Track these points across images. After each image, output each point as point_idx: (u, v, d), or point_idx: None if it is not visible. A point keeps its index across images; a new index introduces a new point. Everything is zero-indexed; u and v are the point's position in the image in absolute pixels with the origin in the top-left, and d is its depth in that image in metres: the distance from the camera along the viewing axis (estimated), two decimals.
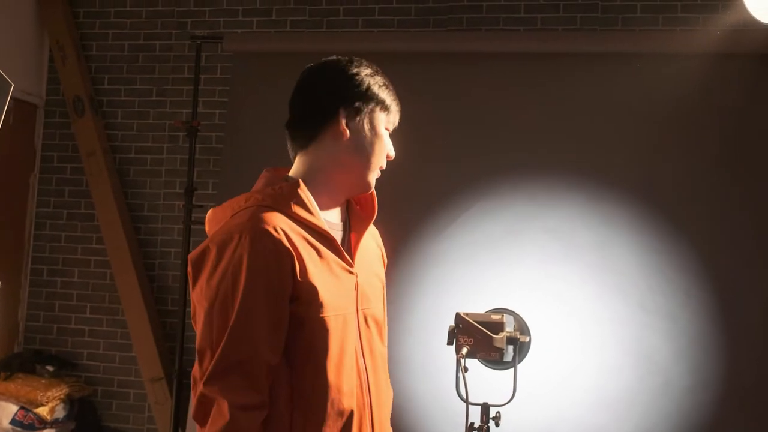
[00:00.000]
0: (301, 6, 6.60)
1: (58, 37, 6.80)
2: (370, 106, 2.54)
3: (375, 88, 2.55)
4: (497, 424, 4.13)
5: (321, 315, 2.38)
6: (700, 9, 5.99)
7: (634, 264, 5.33)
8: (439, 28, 6.36)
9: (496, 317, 4.19)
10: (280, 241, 2.32)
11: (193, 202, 5.88)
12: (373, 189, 2.59)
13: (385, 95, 2.57)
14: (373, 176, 2.57)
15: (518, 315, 4.52)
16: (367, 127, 2.53)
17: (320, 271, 2.40)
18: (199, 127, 5.99)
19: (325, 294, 2.38)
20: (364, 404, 2.49)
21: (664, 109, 5.46)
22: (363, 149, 2.53)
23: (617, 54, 5.68)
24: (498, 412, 4.13)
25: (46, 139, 7.00)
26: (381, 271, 2.69)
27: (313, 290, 2.36)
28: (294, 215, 2.42)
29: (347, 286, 2.48)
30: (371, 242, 2.71)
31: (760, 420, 5.15)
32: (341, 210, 2.64)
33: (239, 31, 6.66)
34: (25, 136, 6.88)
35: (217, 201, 5.99)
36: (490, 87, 5.73)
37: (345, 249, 2.54)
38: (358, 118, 2.53)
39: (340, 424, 2.40)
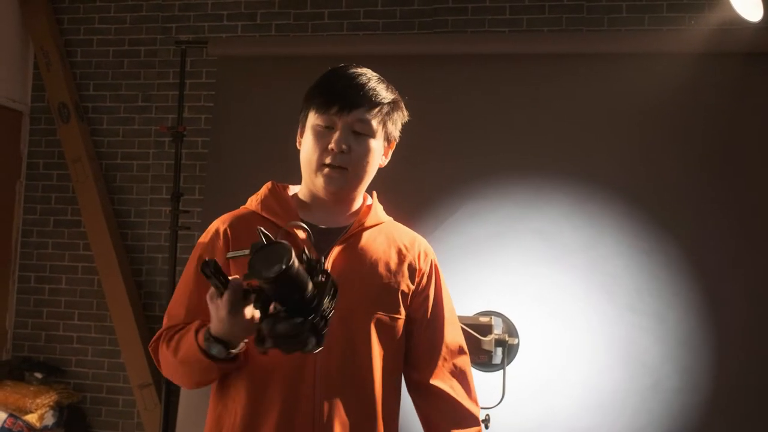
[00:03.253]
0: (285, 10, 6.58)
1: (43, 44, 6.78)
2: (306, 115, 2.68)
3: (307, 97, 2.68)
4: (487, 427, 4.13)
5: None
6: (685, 8, 5.99)
7: (621, 265, 5.33)
8: (425, 30, 6.35)
9: (484, 320, 4.20)
10: (218, 236, 2.63)
11: (180, 208, 5.87)
12: (333, 186, 2.62)
13: (313, 94, 2.65)
14: (320, 174, 2.62)
15: (506, 317, 4.54)
16: (305, 133, 2.67)
17: None
18: (185, 132, 5.97)
19: None
20: (306, 397, 2.50)
21: (651, 109, 5.47)
22: (304, 155, 2.67)
23: (603, 54, 5.68)
24: (488, 414, 4.13)
25: (31, 146, 6.98)
26: (391, 277, 2.65)
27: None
28: (261, 214, 2.66)
29: None
30: (386, 248, 2.70)
31: (749, 420, 5.15)
32: (350, 216, 2.73)
33: (224, 35, 6.65)
34: (11, 143, 6.86)
35: (204, 206, 5.99)
36: (475, 89, 5.73)
37: (325, 248, 2.59)
38: (303, 129, 2.70)
39: (258, 409, 2.52)
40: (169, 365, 2.58)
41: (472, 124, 5.66)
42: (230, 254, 2.29)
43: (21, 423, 6.06)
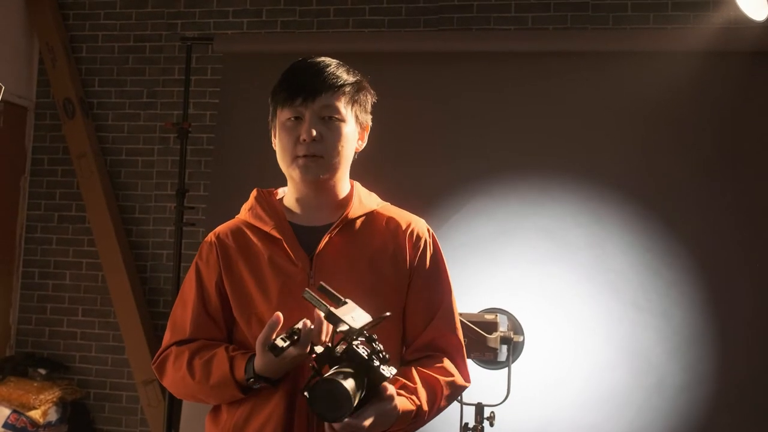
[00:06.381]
0: (291, 7, 6.58)
1: (48, 40, 6.78)
2: (274, 115, 2.70)
3: (272, 97, 2.70)
4: (491, 424, 4.13)
5: (239, 316, 2.65)
6: (690, 7, 5.99)
7: (626, 262, 5.33)
8: (430, 27, 6.35)
9: (489, 317, 4.19)
10: (211, 248, 2.70)
11: (185, 204, 5.86)
12: (310, 176, 2.62)
13: (277, 91, 2.66)
14: (295, 167, 2.62)
15: (512, 315, 4.54)
16: (276, 132, 2.69)
17: (244, 276, 2.63)
18: (189, 129, 5.97)
19: (248, 296, 2.62)
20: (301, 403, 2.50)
21: (656, 108, 5.47)
22: (279, 152, 2.69)
23: (608, 53, 5.68)
24: (492, 412, 4.13)
25: (36, 141, 6.98)
26: (380, 272, 2.62)
27: (233, 293, 2.64)
28: (248, 221, 2.72)
29: (284, 287, 2.57)
30: (375, 240, 2.68)
31: (753, 417, 5.15)
32: (335, 210, 2.70)
33: (229, 32, 6.65)
34: (16, 138, 6.86)
35: (209, 203, 5.99)
36: (481, 87, 5.73)
37: (312, 247, 2.60)
38: (275, 131, 2.71)
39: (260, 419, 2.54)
40: (185, 386, 2.63)
41: (477, 122, 5.66)
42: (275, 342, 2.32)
43: (24, 419, 6.07)
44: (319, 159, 2.59)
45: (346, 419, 2.24)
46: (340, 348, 2.29)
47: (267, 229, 2.64)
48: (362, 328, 2.28)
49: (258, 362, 2.42)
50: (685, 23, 5.98)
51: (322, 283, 2.37)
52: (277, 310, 2.39)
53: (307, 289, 2.32)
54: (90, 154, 6.61)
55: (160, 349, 2.70)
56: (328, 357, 2.29)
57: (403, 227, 2.73)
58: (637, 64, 5.57)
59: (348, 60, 2.70)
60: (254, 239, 2.65)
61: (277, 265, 2.59)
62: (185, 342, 2.64)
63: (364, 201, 2.75)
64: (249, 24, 6.67)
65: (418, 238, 2.73)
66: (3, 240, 6.77)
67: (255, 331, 2.54)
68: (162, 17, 6.83)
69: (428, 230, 2.79)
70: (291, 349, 2.30)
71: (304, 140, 2.57)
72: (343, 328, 2.28)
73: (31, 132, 6.99)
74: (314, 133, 2.56)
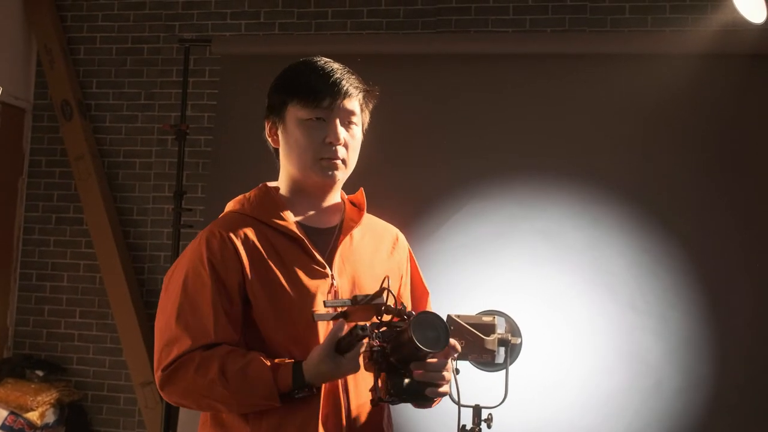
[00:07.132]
0: (289, 9, 6.58)
1: (46, 41, 6.78)
2: (281, 110, 2.62)
3: (285, 91, 2.61)
4: (489, 426, 4.11)
5: (265, 321, 2.51)
6: (688, 9, 5.99)
7: (624, 264, 5.33)
8: (428, 30, 6.35)
9: (487, 319, 4.17)
10: (225, 243, 2.50)
11: (182, 206, 5.86)
12: (331, 179, 2.60)
13: (294, 87, 2.60)
14: (317, 169, 2.58)
15: (509, 317, 4.51)
16: (287, 128, 2.61)
17: (276, 274, 2.51)
18: (187, 131, 5.96)
19: (283, 300, 2.50)
20: (336, 407, 2.50)
21: (654, 110, 5.46)
22: (291, 150, 2.61)
23: (606, 55, 5.68)
24: (490, 414, 4.11)
25: (34, 143, 6.98)
26: (389, 275, 2.63)
27: (266, 296, 2.50)
28: (259, 218, 2.58)
29: (315, 287, 2.52)
30: (375, 245, 2.71)
31: (751, 420, 5.15)
32: (334, 213, 2.71)
33: (227, 34, 6.65)
34: (13, 140, 6.85)
35: (207, 204, 5.99)
36: (479, 89, 5.72)
37: (328, 252, 2.59)
38: (276, 126, 2.66)
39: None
40: (208, 393, 2.42)
41: (475, 124, 5.66)
42: (329, 302, 2.37)
43: (22, 421, 6.06)
44: (339, 162, 2.58)
45: (451, 339, 2.41)
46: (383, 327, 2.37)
47: (287, 228, 2.56)
48: (382, 290, 2.34)
49: (317, 368, 2.35)
50: (683, 26, 5.98)
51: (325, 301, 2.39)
52: (311, 314, 2.40)
53: (314, 312, 2.38)
54: (88, 156, 6.61)
55: (178, 353, 2.42)
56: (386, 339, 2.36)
57: (394, 238, 2.80)
58: (636, 67, 5.57)
59: (346, 62, 2.69)
60: (273, 238, 2.56)
61: (306, 266, 2.54)
62: (208, 346, 2.44)
63: (366, 209, 2.77)
64: (247, 26, 6.66)
65: (404, 249, 2.83)
66: (0, 241, 6.77)
67: (281, 338, 2.49)
68: (160, 19, 6.82)
69: (405, 241, 2.88)
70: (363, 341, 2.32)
71: (331, 143, 2.55)
72: (378, 301, 2.33)
73: (29, 133, 6.98)
74: (344, 137, 2.56)
